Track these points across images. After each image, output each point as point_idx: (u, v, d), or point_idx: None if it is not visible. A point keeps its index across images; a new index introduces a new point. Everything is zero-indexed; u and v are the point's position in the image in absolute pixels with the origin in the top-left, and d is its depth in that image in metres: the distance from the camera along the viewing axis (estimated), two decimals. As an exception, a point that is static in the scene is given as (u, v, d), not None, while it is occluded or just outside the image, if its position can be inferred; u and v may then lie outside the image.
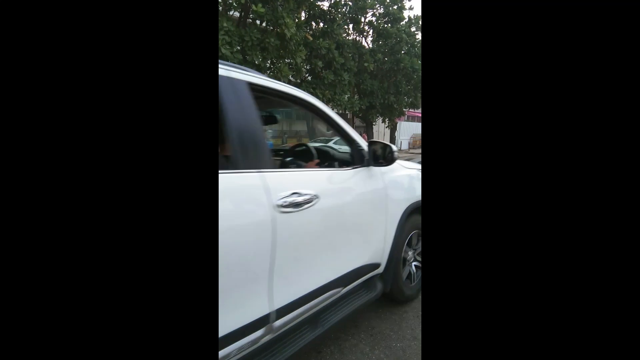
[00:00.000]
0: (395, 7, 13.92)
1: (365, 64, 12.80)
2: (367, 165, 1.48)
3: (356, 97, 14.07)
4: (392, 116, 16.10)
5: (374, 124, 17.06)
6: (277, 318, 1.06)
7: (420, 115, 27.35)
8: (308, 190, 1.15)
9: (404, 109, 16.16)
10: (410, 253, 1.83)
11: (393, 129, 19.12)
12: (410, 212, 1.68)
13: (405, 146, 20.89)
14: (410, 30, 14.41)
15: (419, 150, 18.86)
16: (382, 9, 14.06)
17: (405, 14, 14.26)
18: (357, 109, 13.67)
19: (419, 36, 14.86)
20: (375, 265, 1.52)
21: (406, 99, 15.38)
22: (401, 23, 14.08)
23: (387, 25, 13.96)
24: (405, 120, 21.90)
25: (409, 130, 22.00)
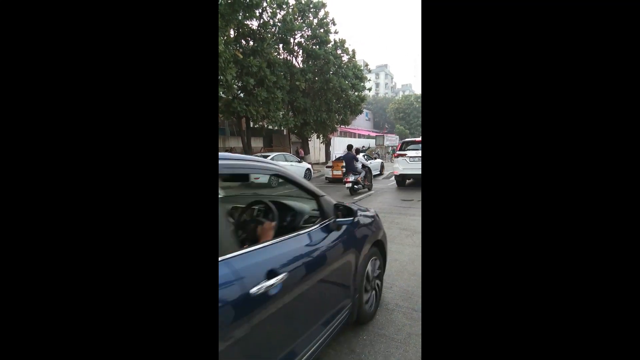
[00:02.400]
0: (321, 30, 14.87)
1: (297, 83, 13.22)
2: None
3: (290, 114, 14.36)
4: (326, 132, 16.83)
5: (309, 139, 17.56)
6: None
7: (351, 130, 29.19)
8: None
9: (336, 125, 17.07)
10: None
11: (327, 144, 19.94)
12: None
13: (340, 160, 21.94)
14: (337, 53, 15.50)
15: (353, 163, 19.95)
16: (309, 31, 14.85)
17: (331, 37, 15.35)
18: (293, 125, 13.94)
19: (344, 58, 16.06)
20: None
21: (337, 116, 16.30)
22: (328, 45, 15.05)
23: (315, 47, 14.76)
24: (338, 136, 23.07)
25: (343, 145, 23.25)
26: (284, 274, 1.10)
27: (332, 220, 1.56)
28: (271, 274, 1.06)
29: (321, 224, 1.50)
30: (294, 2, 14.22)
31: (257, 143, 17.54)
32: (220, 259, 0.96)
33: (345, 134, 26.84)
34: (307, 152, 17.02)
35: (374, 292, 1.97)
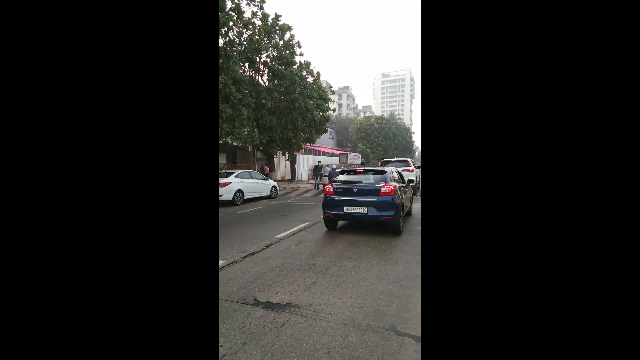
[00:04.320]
0: (287, 51, 15.26)
1: (263, 101, 13.28)
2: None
3: (256, 131, 14.27)
4: (291, 150, 16.94)
5: (274, 157, 17.49)
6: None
7: (316, 148, 29.70)
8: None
9: (302, 143, 17.28)
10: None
11: (293, 161, 20.03)
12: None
13: (304, 177, 22.02)
14: (302, 74, 15.94)
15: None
16: (275, 52, 15.16)
17: (297, 59, 15.80)
18: (258, 142, 13.83)
19: (309, 79, 16.57)
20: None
21: (303, 135, 16.54)
22: (293, 67, 15.44)
23: (281, 67, 15.06)
24: (303, 154, 23.31)
25: (307, 162, 23.51)
26: (409, 183, 6.65)
27: (407, 183, 6.45)
28: (404, 185, 6.15)
29: (406, 183, 6.35)
30: (260, 24, 14.50)
31: (220, 159, 17.02)
32: (397, 184, 5.43)
33: (310, 152, 27.23)
34: (272, 169, 16.90)
35: (412, 199, 7.03)
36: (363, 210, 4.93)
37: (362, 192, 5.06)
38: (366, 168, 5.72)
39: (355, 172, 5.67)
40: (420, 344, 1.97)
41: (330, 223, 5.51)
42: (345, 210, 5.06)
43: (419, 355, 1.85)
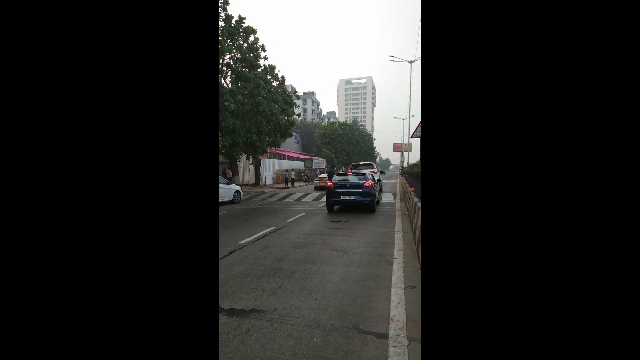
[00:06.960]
0: (251, 54, 15.05)
1: (226, 103, 12.92)
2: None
3: (218, 133, 13.83)
4: (256, 154, 16.63)
5: (238, 160, 17.03)
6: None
7: (281, 152, 29.45)
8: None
9: (266, 147, 17.05)
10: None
11: (257, 165, 19.66)
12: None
13: (269, 181, 21.69)
14: (267, 78, 15.81)
15: (282, 185, 20.05)
16: (239, 54, 14.87)
17: (261, 62, 15.65)
18: (220, 145, 13.38)
19: (274, 83, 16.48)
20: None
21: (267, 139, 16.35)
22: (258, 70, 15.26)
23: (245, 70, 14.80)
24: (268, 157, 22.97)
25: (272, 166, 23.18)
26: (378, 182, 11.88)
27: (378, 179, 12.82)
28: (375, 182, 9.90)
29: (377, 180, 12.16)
30: (223, 25, 14.16)
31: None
32: (372, 182, 8.43)
33: (275, 156, 26.94)
34: (235, 173, 16.43)
35: (379, 194, 10.82)
36: (353, 197, 7.78)
37: (352, 185, 7.95)
38: (353, 172, 8.77)
39: (346, 174, 8.61)
40: (380, 340, 2.08)
41: (330, 207, 8.34)
42: (341, 197, 7.86)
43: (380, 351, 1.96)
